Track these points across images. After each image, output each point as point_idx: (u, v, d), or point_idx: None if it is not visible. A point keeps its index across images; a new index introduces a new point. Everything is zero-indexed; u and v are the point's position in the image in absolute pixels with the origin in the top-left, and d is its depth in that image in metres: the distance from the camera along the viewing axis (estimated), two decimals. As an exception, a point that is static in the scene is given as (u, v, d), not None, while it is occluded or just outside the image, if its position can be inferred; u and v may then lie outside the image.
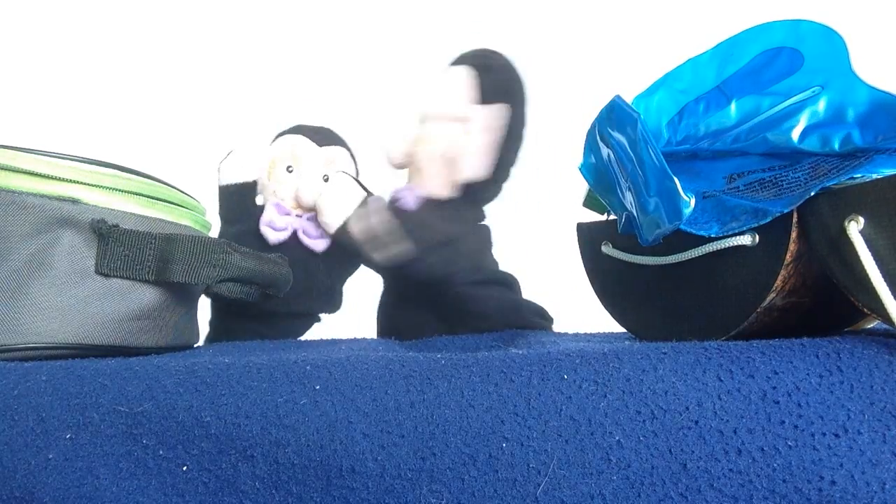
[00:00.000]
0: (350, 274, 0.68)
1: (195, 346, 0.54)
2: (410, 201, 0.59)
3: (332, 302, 0.66)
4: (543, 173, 1.00)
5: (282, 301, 0.58)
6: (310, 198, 0.62)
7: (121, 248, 0.43)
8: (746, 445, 0.31)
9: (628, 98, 0.45)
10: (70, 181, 0.42)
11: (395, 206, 0.60)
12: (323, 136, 0.66)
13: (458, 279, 0.59)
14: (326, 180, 0.64)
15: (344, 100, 1.06)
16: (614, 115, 0.41)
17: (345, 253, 0.63)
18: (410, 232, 0.58)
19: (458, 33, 1.06)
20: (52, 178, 0.41)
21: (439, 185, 0.60)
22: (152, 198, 0.46)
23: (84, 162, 0.43)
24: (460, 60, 0.62)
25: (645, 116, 0.45)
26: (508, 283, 0.63)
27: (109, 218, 0.43)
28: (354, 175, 0.67)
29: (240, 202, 0.64)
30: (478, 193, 0.62)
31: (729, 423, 0.31)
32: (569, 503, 0.31)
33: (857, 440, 0.30)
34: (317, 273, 0.63)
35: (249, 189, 0.64)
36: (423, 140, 0.60)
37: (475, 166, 0.58)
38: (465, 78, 0.60)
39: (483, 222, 0.65)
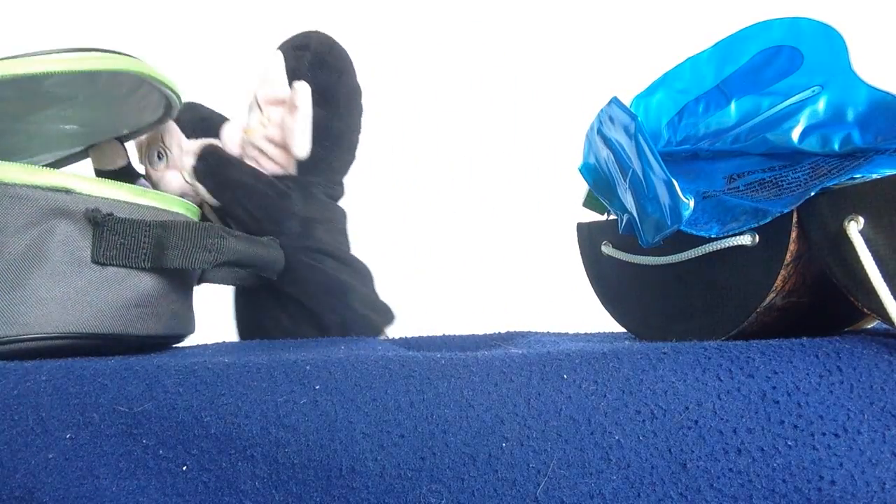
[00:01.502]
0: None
1: (191, 334, 0.54)
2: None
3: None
4: (543, 173, 1.00)
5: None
6: (172, 189, 0.62)
7: (116, 236, 0.43)
8: (746, 445, 0.31)
9: (628, 98, 0.45)
10: (62, 171, 0.42)
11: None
12: (196, 128, 0.64)
13: (291, 242, 0.58)
14: (161, 157, 0.63)
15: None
16: (612, 117, 0.41)
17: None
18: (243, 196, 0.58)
19: (458, 34, 1.06)
20: (43, 167, 0.41)
21: (279, 169, 0.60)
22: None
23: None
24: (281, 45, 0.62)
25: (644, 116, 0.45)
26: (352, 267, 0.62)
27: (103, 207, 0.43)
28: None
29: None
30: (311, 171, 0.60)
31: (729, 422, 0.31)
32: (569, 503, 0.31)
33: (857, 440, 0.30)
34: None
35: (123, 177, 0.63)
36: (253, 128, 0.61)
37: (300, 145, 0.58)
38: (280, 60, 0.60)
39: (338, 203, 0.64)
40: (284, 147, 0.59)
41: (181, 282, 0.49)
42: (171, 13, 1.08)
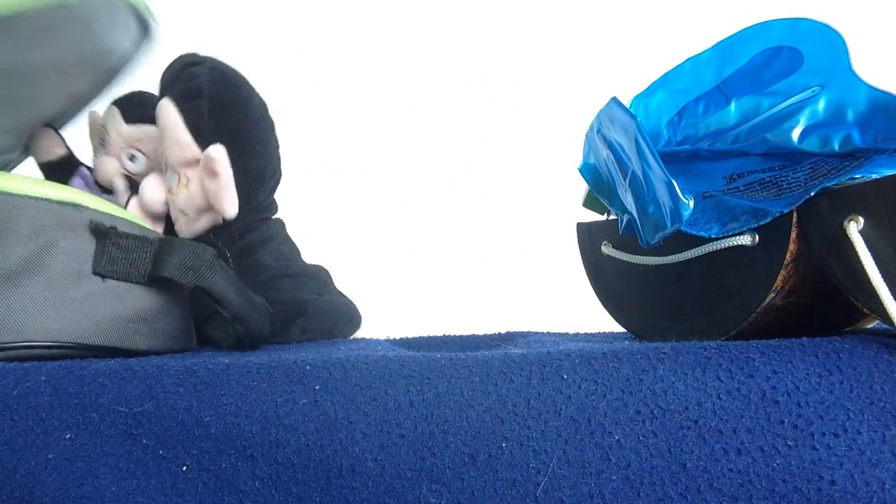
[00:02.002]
0: None
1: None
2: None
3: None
4: (543, 173, 1.00)
5: None
6: (105, 177, 0.60)
7: (118, 249, 0.43)
8: (746, 445, 0.31)
9: (628, 97, 0.45)
10: (70, 187, 0.42)
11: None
12: (135, 112, 0.60)
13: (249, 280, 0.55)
14: (132, 159, 0.59)
15: (343, 100, 1.06)
16: (612, 118, 0.41)
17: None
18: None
19: (458, 34, 1.06)
20: (53, 182, 0.42)
21: (206, 226, 0.57)
22: None
23: None
24: (169, 92, 0.56)
25: (645, 116, 0.45)
26: (307, 276, 0.60)
27: (106, 221, 0.43)
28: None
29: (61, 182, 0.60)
30: (239, 216, 0.57)
31: (728, 422, 0.31)
32: (568, 503, 0.31)
33: (857, 440, 0.30)
34: None
35: (64, 166, 0.61)
36: (174, 190, 0.56)
37: (228, 207, 0.55)
38: (177, 118, 0.54)
39: (275, 217, 0.62)
40: (211, 209, 0.56)
41: (182, 301, 0.49)
42: (169, 12, 1.08)
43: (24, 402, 0.34)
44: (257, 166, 0.57)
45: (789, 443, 0.31)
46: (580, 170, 0.48)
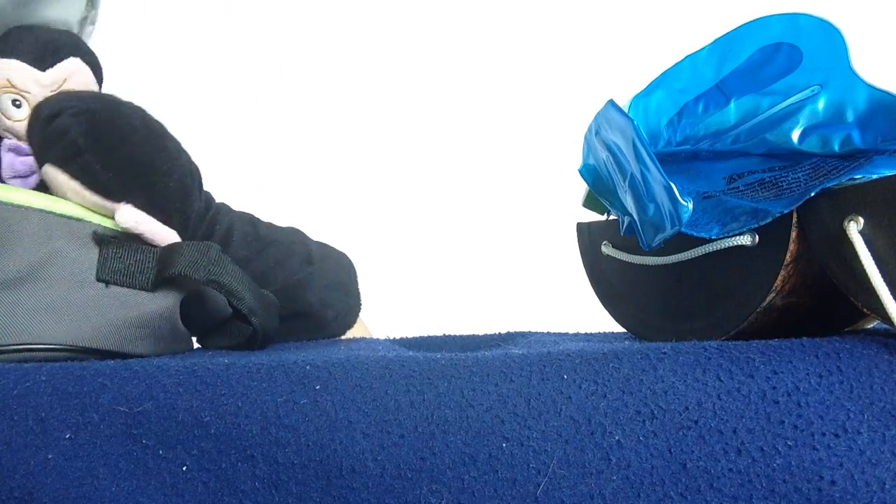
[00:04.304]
0: None
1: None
2: None
3: None
4: (543, 173, 1.00)
5: None
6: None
7: (121, 256, 0.44)
8: (746, 445, 0.31)
9: (627, 97, 0.45)
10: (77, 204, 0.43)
11: None
12: (45, 53, 0.53)
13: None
14: (18, 104, 0.52)
15: (342, 100, 1.06)
16: (609, 120, 0.41)
17: None
18: None
19: (458, 33, 1.06)
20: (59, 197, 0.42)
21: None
22: None
23: None
24: (40, 153, 0.49)
25: (644, 117, 0.45)
26: (283, 241, 0.58)
27: (110, 233, 0.44)
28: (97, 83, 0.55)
29: None
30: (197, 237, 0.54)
31: (728, 422, 0.31)
32: (568, 503, 0.31)
33: (857, 440, 0.30)
34: None
35: None
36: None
37: (168, 241, 0.50)
38: (71, 182, 0.48)
39: (215, 205, 0.58)
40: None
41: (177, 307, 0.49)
42: (169, 12, 1.08)
43: (23, 402, 0.34)
44: (176, 184, 0.52)
45: (789, 443, 0.31)
46: (580, 171, 0.48)
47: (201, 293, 0.51)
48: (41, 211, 0.42)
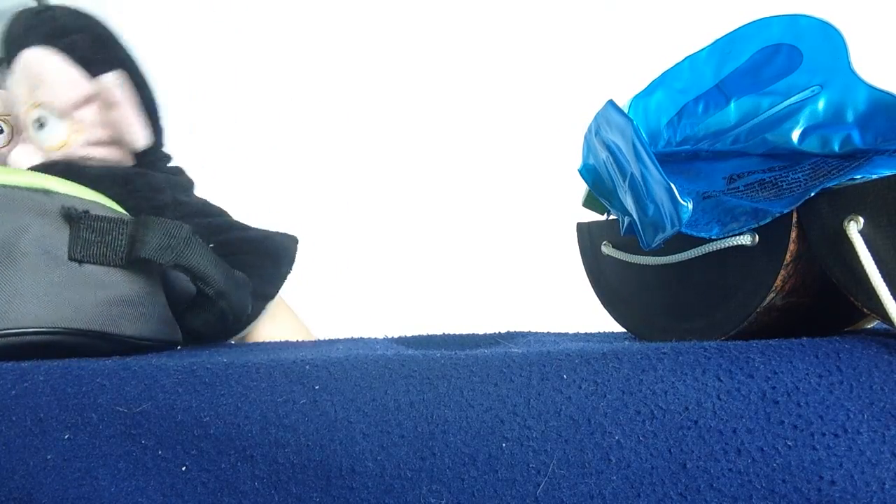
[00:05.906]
0: None
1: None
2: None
3: None
4: (543, 173, 1.00)
5: None
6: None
7: (92, 234, 0.43)
8: (746, 445, 0.31)
9: (627, 97, 0.45)
10: (40, 174, 0.42)
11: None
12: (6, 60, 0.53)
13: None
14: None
15: (341, 100, 1.06)
16: (608, 121, 0.41)
17: None
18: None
19: (458, 33, 1.06)
20: (24, 169, 0.41)
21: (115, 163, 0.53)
22: None
23: None
24: (36, 41, 0.50)
25: (644, 117, 0.45)
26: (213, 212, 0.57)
27: (79, 206, 0.43)
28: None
29: None
30: (149, 154, 0.54)
31: (728, 422, 0.31)
32: (568, 503, 0.31)
33: (857, 440, 0.30)
34: None
35: None
36: (66, 140, 0.52)
37: (138, 135, 0.51)
38: (51, 60, 0.49)
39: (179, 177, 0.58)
40: (115, 144, 0.52)
41: (161, 286, 0.48)
42: (169, 12, 1.08)
43: (22, 403, 0.33)
44: (150, 98, 0.53)
45: (789, 443, 0.31)
46: (580, 171, 0.48)
47: (169, 272, 0.50)
48: (4, 186, 0.41)
